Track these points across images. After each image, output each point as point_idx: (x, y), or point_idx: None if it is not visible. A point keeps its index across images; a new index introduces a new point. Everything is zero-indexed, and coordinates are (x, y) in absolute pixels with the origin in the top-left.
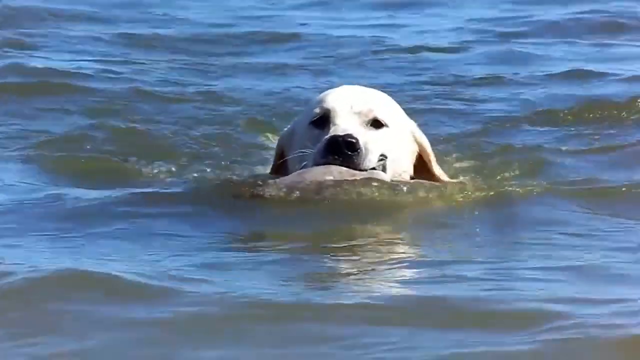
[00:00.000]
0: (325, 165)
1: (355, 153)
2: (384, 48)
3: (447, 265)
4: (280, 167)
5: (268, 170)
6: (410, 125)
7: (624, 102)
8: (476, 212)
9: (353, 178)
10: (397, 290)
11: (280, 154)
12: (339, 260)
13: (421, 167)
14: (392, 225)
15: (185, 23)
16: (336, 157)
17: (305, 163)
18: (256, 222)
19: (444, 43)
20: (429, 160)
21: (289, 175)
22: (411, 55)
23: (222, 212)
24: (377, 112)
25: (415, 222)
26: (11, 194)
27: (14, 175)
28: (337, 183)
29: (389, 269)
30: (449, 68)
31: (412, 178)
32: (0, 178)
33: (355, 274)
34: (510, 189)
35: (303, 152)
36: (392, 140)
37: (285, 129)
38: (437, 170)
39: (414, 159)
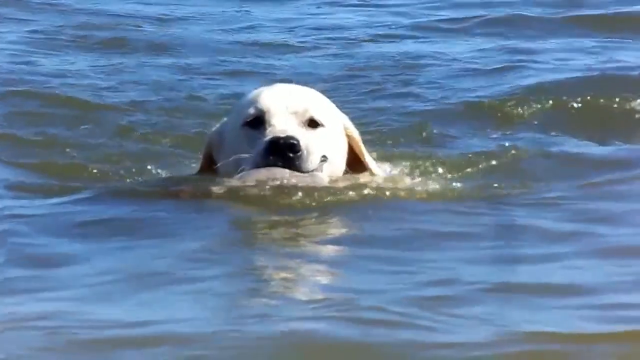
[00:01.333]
0: (268, 168)
1: (297, 155)
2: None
3: None
4: (208, 169)
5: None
6: (343, 120)
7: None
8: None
9: (296, 181)
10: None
11: (209, 156)
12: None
13: (353, 159)
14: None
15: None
16: (277, 159)
17: (242, 167)
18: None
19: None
20: (361, 153)
21: (233, 178)
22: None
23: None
24: (313, 111)
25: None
26: None
27: None
28: (281, 186)
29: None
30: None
31: (345, 172)
32: None
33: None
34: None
35: (239, 156)
36: (329, 140)
37: (214, 129)
38: (369, 163)
39: (347, 154)
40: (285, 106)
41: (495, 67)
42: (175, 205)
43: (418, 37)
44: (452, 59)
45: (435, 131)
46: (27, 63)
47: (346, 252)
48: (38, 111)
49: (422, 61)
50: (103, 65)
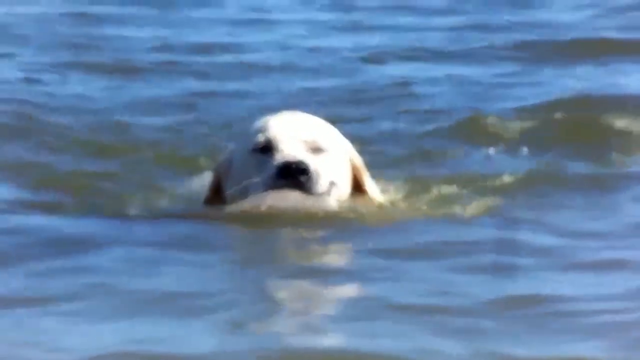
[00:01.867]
0: (281, 191)
1: (308, 178)
2: None
3: None
4: (216, 197)
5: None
6: (347, 147)
7: None
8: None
9: (306, 204)
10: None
11: (217, 183)
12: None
13: (356, 184)
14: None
15: None
16: (288, 182)
17: (253, 191)
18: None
19: None
20: (364, 181)
21: (247, 200)
22: None
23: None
24: (319, 138)
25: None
26: None
27: None
28: (292, 209)
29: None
30: None
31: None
32: None
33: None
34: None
35: (248, 181)
36: (335, 166)
37: (222, 158)
38: (370, 189)
39: (351, 179)
40: (292, 133)
41: (486, 86)
42: (192, 227)
43: (408, 59)
44: (441, 80)
45: (432, 150)
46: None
47: (357, 267)
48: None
49: (414, 82)
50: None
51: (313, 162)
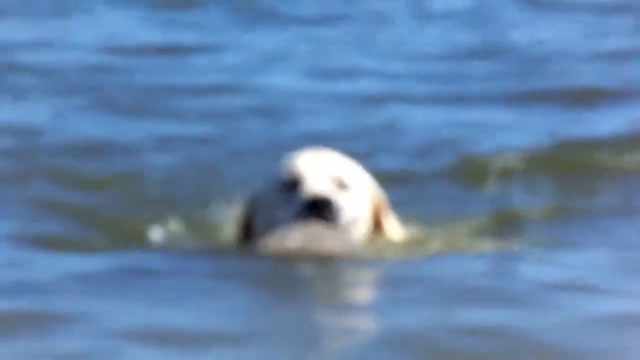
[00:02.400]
0: (307, 225)
1: (332, 213)
2: None
3: None
4: (246, 232)
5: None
6: (370, 184)
7: None
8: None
9: (330, 239)
10: None
11: (247, 219)
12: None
13: (377, 221)
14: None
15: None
16: (315, 217)
17: (279, 227)
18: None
19: None
20: (384, 219)
21: (275, 235)
22: None
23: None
24: (344, 175)
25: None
26: None
27: None
28: (320, 244)
29: None
30: None
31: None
32: None
33: None
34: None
35: (274, 217)
36: (358, 202)
37: (249, 196)
38: (389, 227)
39: (373, 215)
40: (319, 170)
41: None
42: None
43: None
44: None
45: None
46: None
47: (383, 301)
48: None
49: (405, 124)
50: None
51: (338, 198)
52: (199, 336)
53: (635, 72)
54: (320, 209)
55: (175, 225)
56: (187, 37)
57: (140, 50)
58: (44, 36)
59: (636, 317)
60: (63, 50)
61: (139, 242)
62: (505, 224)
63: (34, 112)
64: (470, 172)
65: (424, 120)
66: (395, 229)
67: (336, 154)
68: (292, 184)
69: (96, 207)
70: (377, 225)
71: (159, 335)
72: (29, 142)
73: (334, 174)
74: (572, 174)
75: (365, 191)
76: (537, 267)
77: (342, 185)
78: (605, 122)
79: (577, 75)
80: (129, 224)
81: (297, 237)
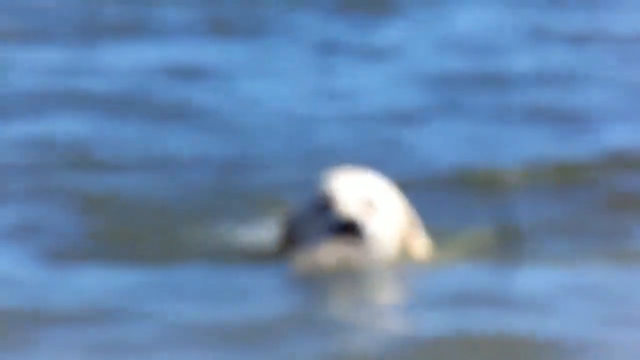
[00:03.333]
0: (337, 246)
1: (360, 235)
2: None
3: None
4: (285, 247)
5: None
6: (400, 206)
7: None
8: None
9: (361, 259)
10: None
11: (287, 235)
12: None
13: (406, 241)
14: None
15: None
16: (344, 238)
17: (311, 246)
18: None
19: None
20: (413, 239)
21: (306, 254)
22: None
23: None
24: (374, 197)
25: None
26: None
27: None
28: (349, 264)
29: None
30: None
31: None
32: None
33: None
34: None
35: (309, 235)
36: (387, 224)
37: (288, 211)
38: (418, 248)
39: (401, 235)
40: (350, 191)
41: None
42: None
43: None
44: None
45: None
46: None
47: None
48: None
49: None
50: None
51: (366, 220)
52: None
53: None
54: (349, 231)
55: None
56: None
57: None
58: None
59: None
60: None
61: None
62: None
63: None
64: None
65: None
66: (423, 250)
67: (368, 175)
68: (325, 204)
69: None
70: (407, 245)
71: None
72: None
73: (365, 196)
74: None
75: (394, 213)
76: (543, 274)
77: (371, 207)
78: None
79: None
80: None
81: (327, 255)
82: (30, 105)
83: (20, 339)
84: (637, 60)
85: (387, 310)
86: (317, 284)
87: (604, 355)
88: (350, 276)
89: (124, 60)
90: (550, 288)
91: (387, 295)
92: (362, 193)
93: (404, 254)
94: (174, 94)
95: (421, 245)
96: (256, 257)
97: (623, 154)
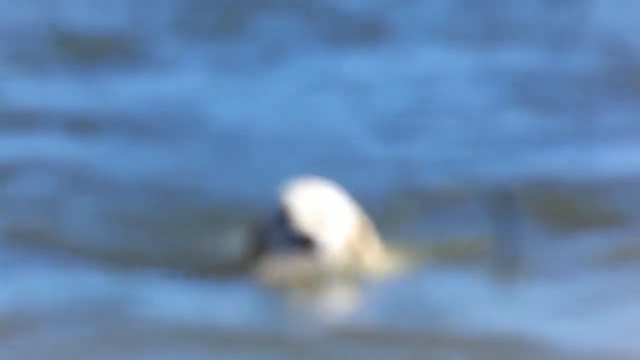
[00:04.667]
0: (293, 258)
1: (314, 247)
2: None
3: None
4: (249, 258)
5: None
6: (355, 214)
7: None
8: None
9: (317, 269)
10: None
11: (250, 244)
12: None
13: (360, 247)
14: None
15: None
16: (299, 250)
17: (272, 256)
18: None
19: None
20: (368, 247)
21: (265, 266)
22: None
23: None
24: (329, 208)
25: None
26: None
27: None
28: (305, 275)
29: None
30: None
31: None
32: None
33: None
34: None
35: (269, 246)
36: (341, 233)
37: (254, 220)
38: (374, 256)
39: (356, 241)
40: (305, 205)
41: None
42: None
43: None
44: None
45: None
46: None
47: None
48: None
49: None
50: None
51: (320, 232)
52: None
53: None
54: (304, 244)
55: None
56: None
57: None
58: None
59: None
60: None
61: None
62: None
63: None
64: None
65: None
66: (379, 257)
67: (324, 185)
68: (283, 218)
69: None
70: (362, 252)
71: None
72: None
73: (319, 209)
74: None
75: (346, 223)
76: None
77: (325, 219)
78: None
79: None
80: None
81: (286, 267)
82: None
83: None
84: None
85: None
86: (279, 295)
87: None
88: (305, 286)
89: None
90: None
91: (337, 302)
92: (317, 206)
93: (357, 263)
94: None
95: (375, 254)
96: (221, 268)
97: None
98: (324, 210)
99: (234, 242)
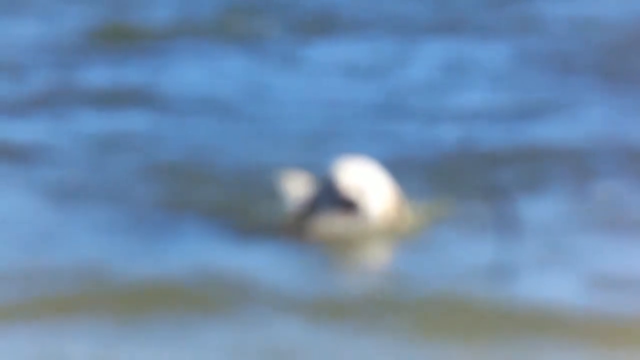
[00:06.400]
0: (337, 217)
1: (357, 210)
2: None
3: None
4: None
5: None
6: (391, 185)
7: None
8: None
9: (359, 228)
10: None
11: (302, 211)
12: None
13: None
14: None
15: None
16: (344, 211)
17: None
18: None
19: None
20: (402, 211)
21: (310, 225)
22: None
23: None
24: (369, 179)
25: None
26: None
27: None
28: (348, 233)
29: None
30: None
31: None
32: None
33: None
34: None
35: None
36: (379, 201)
37: (309, 185)
38: (406, 217)
39: (392, 208)
40: (350, 175)
41: None
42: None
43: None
44: None
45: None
46: None
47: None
48: None
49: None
50: None
51: (364, 198)
52: None
53: None
54: (349, 207)
55: None
56: None
57: None
58: None
59: None
60: None
61: None
62: None
63: None
64: None
65: None
66: (411, 221)
67: (364, 161)
68: (331, 185)
69: None
70: (396, 218)
71: None
72: None
73: (362, 179)
74: None
75: (385, 191)
76: None
77: (367, 187)
78: None
79: None
80: None
81: (332, 225)
82: None
83: None
84: None
85: (377, 270)
86: (327, 251)
87: None
88: (349, 244)
89: None
90: None
91: (379, 259)
92: (360, 177)
93: (393, 227)
94: None
95: (407, 220)
96: (271, 229)
97: None
98: (366, 181)
99: (282, 205)
